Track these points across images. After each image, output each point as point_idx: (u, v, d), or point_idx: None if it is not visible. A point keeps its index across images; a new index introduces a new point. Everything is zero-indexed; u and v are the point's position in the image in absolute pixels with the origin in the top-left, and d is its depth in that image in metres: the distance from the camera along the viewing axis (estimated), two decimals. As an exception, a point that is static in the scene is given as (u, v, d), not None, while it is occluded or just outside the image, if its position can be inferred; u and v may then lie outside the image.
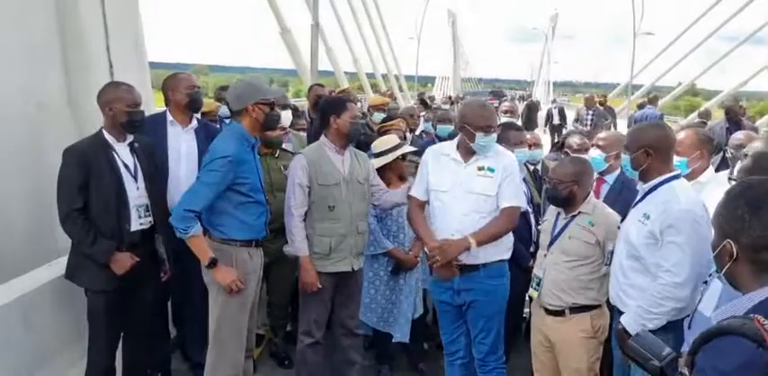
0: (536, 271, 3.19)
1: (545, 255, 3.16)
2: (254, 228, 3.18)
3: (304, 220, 3.43)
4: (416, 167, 4.30)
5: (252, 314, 3.29)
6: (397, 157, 3.89)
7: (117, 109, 3.14)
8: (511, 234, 3.27)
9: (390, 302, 3.91)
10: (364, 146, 4.19)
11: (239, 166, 3.03)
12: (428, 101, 14.91)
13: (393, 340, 3.95)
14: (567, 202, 3.11)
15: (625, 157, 2.76)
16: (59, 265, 3.44)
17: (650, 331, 1.86)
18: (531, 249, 3.75)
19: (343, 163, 3.50)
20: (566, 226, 3.13)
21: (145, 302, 3.36)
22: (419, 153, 4.21)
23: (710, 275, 2.27)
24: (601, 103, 12.77)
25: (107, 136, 3.19)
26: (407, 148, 3.98)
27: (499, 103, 11.33)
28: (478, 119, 3.15)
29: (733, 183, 2.52)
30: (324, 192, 3.40)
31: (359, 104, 7.91)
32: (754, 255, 1.38)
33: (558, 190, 3.10)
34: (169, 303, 3.92)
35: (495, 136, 3.19)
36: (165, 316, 3.86)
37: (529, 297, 3.37)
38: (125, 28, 4.91)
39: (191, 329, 3.83)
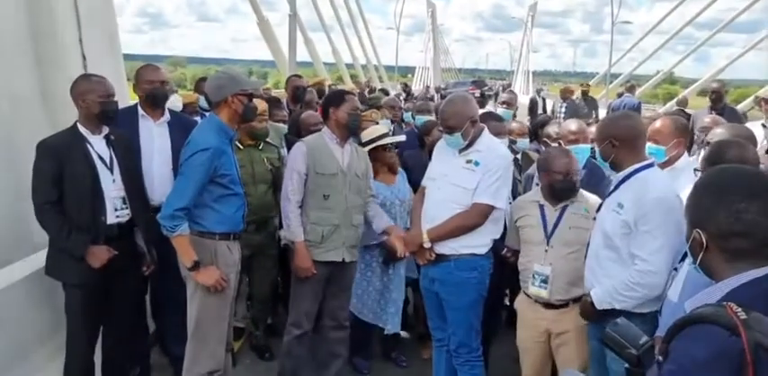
0: (537, 268, 3.10)
1: (546, 251, 3.12)
2: (233, 220, 3.15)
3: (300, 207, 3.45)
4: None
5: (231, 307, 3.27)
6: (381, 147, 3.89)
7: (90, 100, 3.11)
8: (496, 231, 3.28)
9: (380, 294, 3.92)
10: None
11: (219, 159, 3.01)
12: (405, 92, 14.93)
13: (385, 332, 3.97)
14: (574, 193, 3.13)
15: (597, 150, 2.77)
16: (36, 260, 3.40)
17: (630, 319, 1.88)
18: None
19: (342, 155, 3.53)
20: (560, 217, 3.12)
21: (123, 296, 3.32)
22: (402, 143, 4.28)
23: (681, 261, 2.31)
24: (584, 93, 12.62)
25: (81, 129, 3.15)
26: (389, 139, 3.98)
27: (481, 94, 11.23)
28: (441, 119, 3.30)
29: (698, 174, 2.56)
30: (320, 181, 3.43)
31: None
32: (724, 243, 1.39)
33: (572, 181, 3.09)
34: (147, 296, 3.88)
35: (448, 136, 3.23)
36: (143, 309, 3.82)
37: (509, 291, 3.37)
38: (98, 19, 4.81)
39: (169, 323, 3.79)
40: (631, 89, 13.46)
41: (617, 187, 2.70)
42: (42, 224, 3.09)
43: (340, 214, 3.45)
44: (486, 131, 3.31)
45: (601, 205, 2.80)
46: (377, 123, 4.71)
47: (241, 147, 3.87)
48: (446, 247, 3.23)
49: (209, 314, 3.11)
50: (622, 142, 2.63)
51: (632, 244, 2.55)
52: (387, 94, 14.29)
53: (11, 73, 4.04)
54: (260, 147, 4.05)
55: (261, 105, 3.85)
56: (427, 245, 3.23)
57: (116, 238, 3.19)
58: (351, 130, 3.56)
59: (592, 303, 2.67)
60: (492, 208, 3.19)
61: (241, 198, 3.20)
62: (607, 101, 18.94)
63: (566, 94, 11.85)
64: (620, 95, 13.66)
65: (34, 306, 3.38)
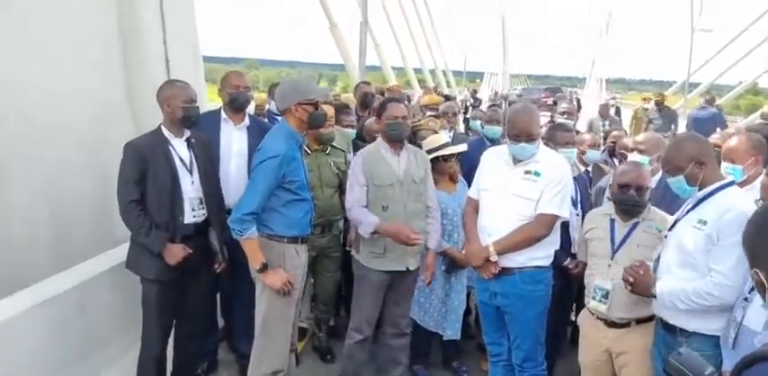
0: (599, 282, 3.04)
1: (609, 266, 3.05)
2: (301, 225, 3.24)
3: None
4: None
5: (297, 309, 3.36)
6: (441, 157, 3.89)
7: (173, 105, 3.26)
8: (556, 242, 3.25)
9: (442, 302, 3.93)
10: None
11: (288, 165, 3.09)
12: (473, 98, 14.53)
13: (444, 338, 3.96)
14: (643, 209, 3.05)
15: (676, 179, 2.66)
16: (117, 254, 3.60)
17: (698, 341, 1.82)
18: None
19: (398, 163, 3.53)
20: (629, 233, 3.05)
21: (197, 293, 3.46)
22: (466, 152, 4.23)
23: (750, 292, 2.23)
24: (658, 103, 11.87)
25: (165, 131, 3.31)
26: (450, 149, 3.93)
27: (554, 102, 10.56)
28: (509, 127, 3.21)
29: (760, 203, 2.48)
30: (378, 193, 3.45)
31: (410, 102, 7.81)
32: None
33: (642, 196, 3.01)
34: (218, 294, 4.02)
35: (525, 145, 3.14)
36: (214, 306, 3.97)
37: (575, 307, 3.31)
38: (181, 25, 5.06)
39: (238, 321, 3.92)
40: (711, 101, 12.53)
41: (696, 205, 2.63)
42: (125, 221, 3.25)
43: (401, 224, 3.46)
44: (541, 142, 3.29)
45: (675, 223, 2.73)
46: (436, 132, 4.67)
47: (309, 151, 3.96)
48: (512, 261, 3.17)
49: (276, 314, 3.20)
50: (706, 160, 2.57)
51: (711, 258, 2.48)
52: (448, 99, 14.20)
53: (103, 78, 4.30)
54: (327, 152, 4.13)
55: (329, 111, 3.92)
56: (494, 258, 3.16)
57: (192, 237, 3.32)
58: (392, 139, 3.53)
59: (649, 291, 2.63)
60: (557, 218, 3.16)
61: (309, 203, 3.28)
62: (685, 111, 18.08)
63: (605, 111, 10.67)
64: (706, 105, 12.39)
65: (114, 298, 3.58)
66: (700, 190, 2.63)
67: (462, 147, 4.11)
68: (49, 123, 3.80)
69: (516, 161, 3.21)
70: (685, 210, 2.70)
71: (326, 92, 3.29)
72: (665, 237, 2.77)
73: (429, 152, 3.88)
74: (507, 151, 3.25)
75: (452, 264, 3.86)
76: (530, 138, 3.13)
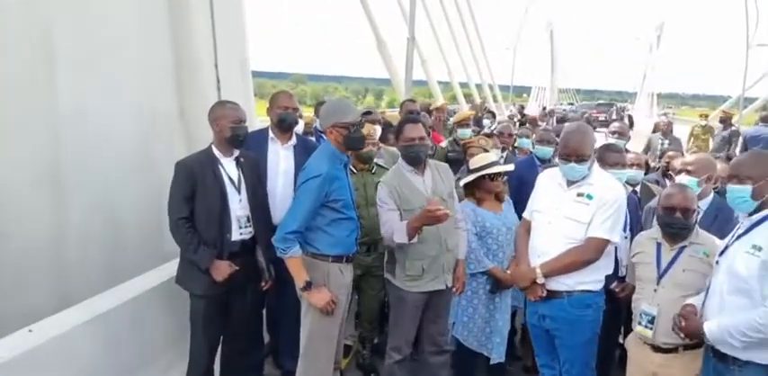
0: (645, 307, 3.01)
1: (655, 290, 3.00)
2: (346, 243, 3.26)
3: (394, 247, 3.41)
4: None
5: (341, 328, 3.37)
6: (485, 176, 3.84)
7: (222, 125, 3.35)
8: (607, 266, 3.19)
9: (486, 322, 3.87)
10: (454, 163, 4.20)
11: (332, 184, 3.12)
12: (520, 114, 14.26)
13: (491, 362, 3.89)
14: (689, 232, 2.98)
15: (741, 188, 2.56)
16: (167, 269, 3.69)
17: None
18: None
19: (424, 183, 3.49)
20: (676, 258, 2.98)
21: (243, 308, 3.52)
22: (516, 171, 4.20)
23: None
24: (723, 120, 11.19)
25: (215, 151, 3.40)
26: (497, 168, 3.87)
27: (606, 118, 9.79)
28: (561, 145, 3.19)
29: None
30: (409, 217, 3.38)
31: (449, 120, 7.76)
32: None
33: (687, 219, 2.95)
34: (264, 311, 4.07)
35: (575, 165, 3.10)
36: (259, 322, 4.01)
37: (624, 331, 3.23)
38: (232, 44, 5.21)
39: (284, 338, 3.97)
40: (766, 118, 12.07)
41: (749, 230, 2.55)
42: (175, 237, 3.34)
43: (435, 244, 3.42)
44: (596, 164, 3.23)
45: (725, 249, 2.64)
46: (486, 151, 4.63)
47: (355, 171, 3.99)
48: (560, 284, 3.14)
49: (320, 333, 3.22)
50: None
51: (765, 284, 2.39)
52: (494, 116, 14.06)
53: (156, 95, 4.45)
54: (373, 171, 4.15)
55: (368, 129, 3.88)
56: (541, 281, 3.15)
57: (239, 254, 3.39)
58: (413, 162, 3.47)
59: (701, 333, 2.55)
60: (607, 242, 3.10)
61: (354, 222, 3.30)
62: (740, 127, 17.46)
63: (665, 129, 9.83)
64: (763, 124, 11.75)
65: (165, 312, 3.67)
66: (756, 211, 2.54)
67: (509, 167, 4.07)
68: (104, 138, 3.94)
69: (570, 183, 3.18)
70: (736, 235, 2.62)
71: (357, 115, 3.26)
72: (717, 262, 2.68)
73: (476, 170, 3.85)
74: (561, 173, 3.22)
75: (497, 284, 3.81)
76: (580, 159, 3.09)
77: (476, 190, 3.84)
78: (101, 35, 4.01)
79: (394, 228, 3.31)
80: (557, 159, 3.25)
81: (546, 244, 3.19)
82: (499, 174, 3.88)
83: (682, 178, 3.53)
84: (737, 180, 2.57)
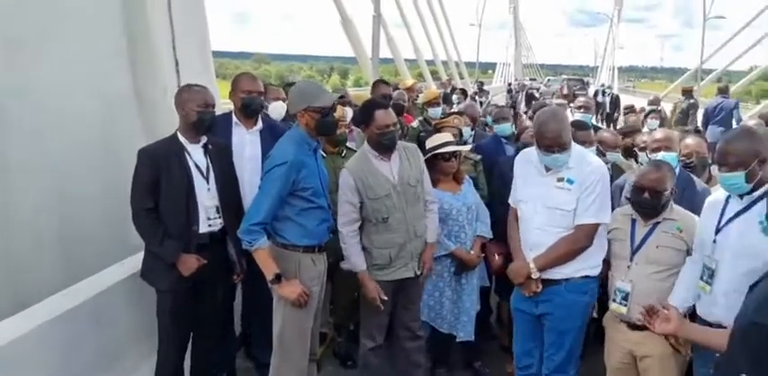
0: (619, 284, 3.00)
1: (628, 267, 2.98)
2: (316, 234, 3.14)
3: (360, 234, 3.33)
4: (474, 165, 4.21)
5: (316, 318, 3.27)
6: (438, 156, 3.71)
7: (188, 109, 3.18)
8: (603, 247, 3.11)
9: (453, 303, 3.83)
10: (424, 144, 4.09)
11: (300, 172, 2.99)
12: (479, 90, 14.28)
13: (457, 339, 3.87)
14: (662, 209, 2.94)
15: (733, 175, 2.47)
16: (131, 264, 3.52)
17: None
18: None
19: (391, 169, 3.34)
20: (649, 234, 2.96)
21: (213, 303, 3.38)
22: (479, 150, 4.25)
23: None
24: (685, 92, 11.50)
25: (181, 137, 3.23)
26: (450, 148, 3.75)
27: (572, 94, 9.86)
28: (538, 137, 3.00)
29: None
30: (375, 205, 3.27)
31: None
32: None
33: (656, 199, 2.90)
34: (237, 302, 3.93)
35: (558, 156, 2.97)
36: (230, 317, 3.88)
37: (598, 309, 3.20)
38: (191, 22, 4.97)
39: (257, 330, 3.85)
40: (725, 90, 12.16)
41: (749, 207, 2.50)
42: (138, 229, 3.18)
43: (403, 232, 3.32)
44: (573, 144, 3.08)
45: (720, 229, 2.57)
46: (459, 130, 4.54)
47: (324, 155, 3.84)
48: (558, 273, 3.05)
49: (293, 326, 3.12)
50: (767, 159, 2.45)
51: None
52: (465, 94, 14.00)
53: (106, 74, 4.19)
54: (343, 155, 4.02)
55: (339, 112, 3.77)
56: (536, 276, 3.05)
57: (207, 247, 3.24)
58: (386, 148, 3.31)
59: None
60: (597, 226, 3.03)
61: (325, 211, 3.17)
62: (698, 99, 17.69)
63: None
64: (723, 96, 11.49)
65: (128, 309, 3.49)
66: (753, 191, 2.49)
67: (464, 148, 3.99)
68: (53, 123, 3.71)
69: (548, 168, 3.07)
70: (734, 213, 2.55)
71: (332, 100, 3.14)
72: (714, 241, 2.61)
73: (429, 151, 3.73)
74: (537, 158, 3.09)
75: (461, 266, 3.75)
76: (562, 148, 2.97)
77: (431, 171, 3.66)
78: (44, 10, 3.73)
79: (351, 253, 3.29)
80: (535, 148, 3.08)
81: (536, 236, 3.08)
82: (453, 154, 3.75)
83: (662, 155, 3.47)
84: (728, 168, 2.49)
